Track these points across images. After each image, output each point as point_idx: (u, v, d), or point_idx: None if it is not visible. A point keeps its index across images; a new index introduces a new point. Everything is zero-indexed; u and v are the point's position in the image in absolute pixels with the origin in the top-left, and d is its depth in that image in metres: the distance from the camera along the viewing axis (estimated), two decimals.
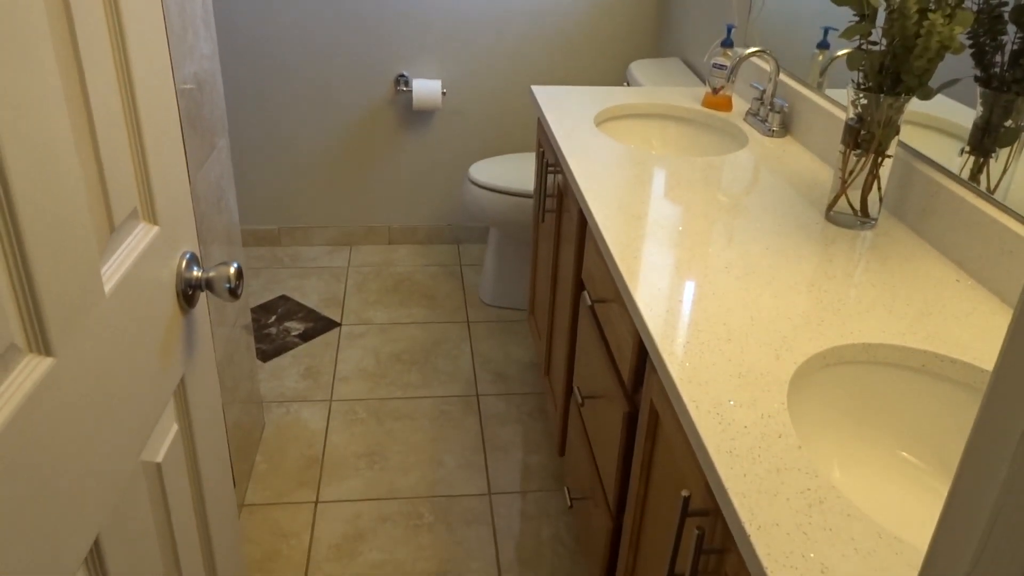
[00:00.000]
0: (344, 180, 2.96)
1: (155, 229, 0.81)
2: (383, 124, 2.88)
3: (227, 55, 2.71)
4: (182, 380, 0.88)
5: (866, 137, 1.32)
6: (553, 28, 2.79)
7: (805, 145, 1.74)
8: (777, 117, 1.78)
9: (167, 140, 0.84)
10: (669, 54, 2.75)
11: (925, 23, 1.10)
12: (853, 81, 1.32)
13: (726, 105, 1.94)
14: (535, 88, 2.06)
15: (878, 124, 1.29)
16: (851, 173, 1.36)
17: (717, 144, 1.90)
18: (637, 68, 2.54)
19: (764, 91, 1.85)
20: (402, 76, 2.80)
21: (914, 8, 1.11)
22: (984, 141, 1.30)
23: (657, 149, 1.99)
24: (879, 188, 1.35)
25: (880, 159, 1.32)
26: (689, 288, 1.15)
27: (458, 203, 3.07)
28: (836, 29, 1.75)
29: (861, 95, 1.29)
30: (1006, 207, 1.19)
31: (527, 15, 2.76)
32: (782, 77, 1.85)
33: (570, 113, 1.88)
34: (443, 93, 2.84)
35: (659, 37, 2.85)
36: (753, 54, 1.77)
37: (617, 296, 1.29)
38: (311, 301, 2.72)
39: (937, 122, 1.36)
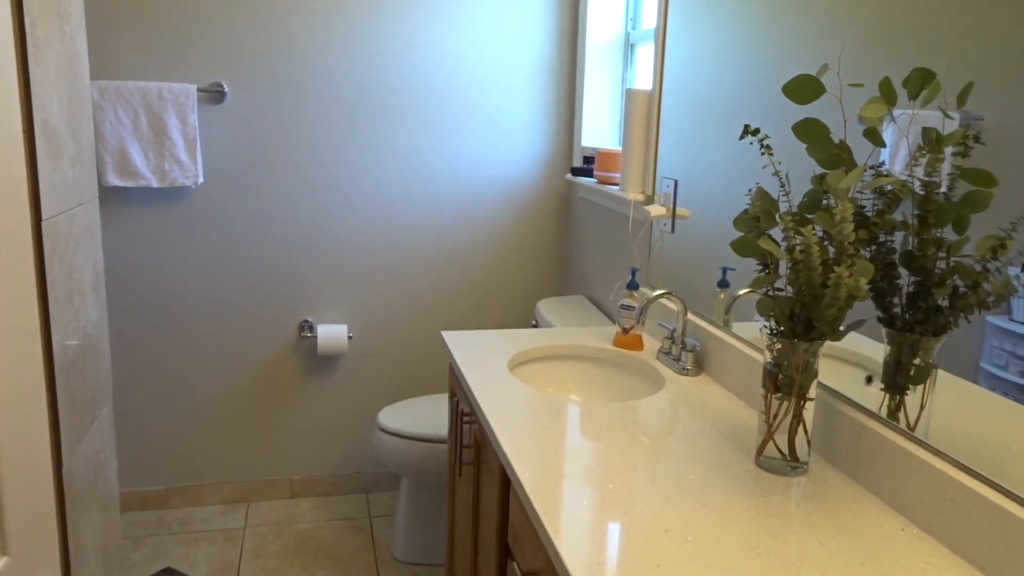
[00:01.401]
0: (242, 432, 2.79)
1: (3, 560, 0.66)
2: (285, 371, 2.77)
3: (118, 307, 2.60)
4: None
5: (785, 381, 1.31)
6: (459, 270, 2.84)
7: (721, 383, 1.74)
8: (690, 356, 1.79)
9: (29, 453, 0.72)
10: (573, 292, 2.82)
11: (832, 275, 1.13)
12: (765, 327, 1.33)
13: (637, 344, 1.95)
14: (445, 334, 2.03)
15: (796, 368, 1.29)
16: (775, 417, 1.34)
17: (634, 385, 1.88)
18: (544, 306, 2.58)
19: (674, 330, 1.87)
20: (306, 322, 2.74)
21: (818, 260, 1.14)
22: (897, 378, 1.31)
23: (574, 392, 1.95)
24: (805, 431, 1.32)
25: (803, 402, 1.31)
26: (633, 562, 1.04)
27: (366, 449, 2.92)
28: (733, 269, 1.82)
29: (776, 341, 1.30)
30: (937, 450, 1.17)
31: (433, 258, 2.81)
32: (690, 316, 1.88)
33: (483, 359, 1.84)
34: (349, 337, 2.78)
35: (563, 276, 2.93)
36: (660, 296, 1.80)
37: (550, 567, 1.17)
38: (200, 572, 2.42)
39: (851, 355, 1.38)
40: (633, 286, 1.96)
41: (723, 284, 1.87)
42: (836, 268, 1.12)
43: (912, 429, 1.24)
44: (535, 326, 2.63)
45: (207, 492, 2.79)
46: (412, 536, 2.52)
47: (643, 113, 2.12)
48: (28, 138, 1.05)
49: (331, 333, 2.70)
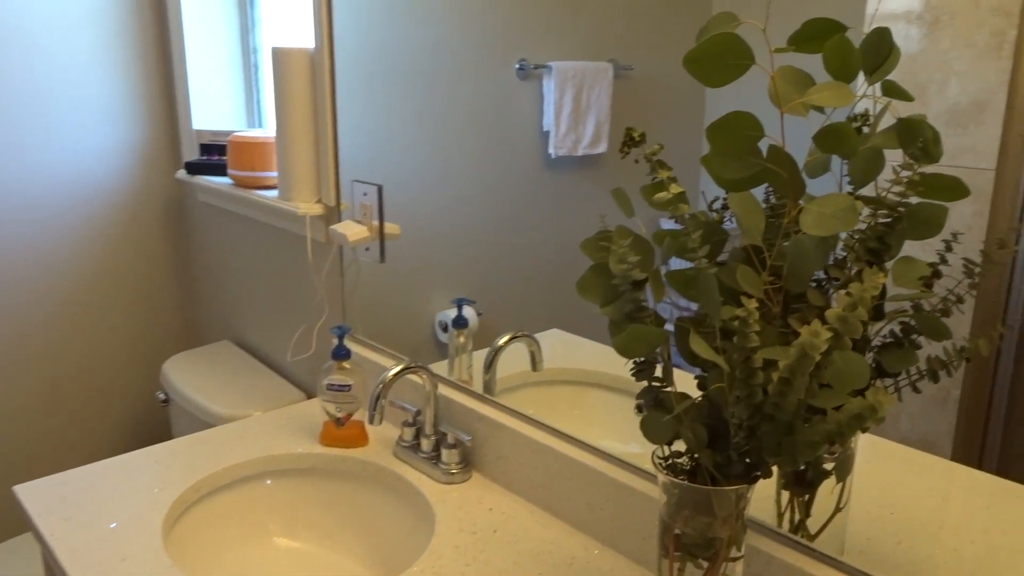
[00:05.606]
0: None
1: None
2: None
3: None
4: None
5: (695, 539, 0.80)
6: (27, 332, 1.84)
7: (506, 486, 1.18)
8: (455, 453, 1.20)
9: None
10: (214, 338, 2.01)
11: (859, 399, 0.62)
12: (658, 458, 0.80)
13: (360, 438, 1.30)
14: (22, 491, 1.15)
15: (721, 522, 0.78)
16: None
17: (381, 511, 1.24)
18: (176, 369, 1.77)
19: (418, 413, 1.26)
20: None
21: (809, 370, 0.63)
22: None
23: (287, 535, 1.24)
24: None
25: (726, 566, 0.82)
26: None
27: None
28: (471, 301, 1.28)
29: (679, 480, 0.78)
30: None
31: None
32: (440, 389, 1.28)
33: (108, 532, 1.04)
34: None
35: (195, 318, 2.09)
36: (401, 374, 1.17)
37: None
38: None
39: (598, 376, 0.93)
40: (343, 354, 1.29)
41: (460, 323, 1.32)
42: (870, 395, 0.62)
43: (811, 538, 0.85)
44: (165, 402, 1.80)
45: None
46: None
47: (305, 85, 1.42)
48: None
49: None
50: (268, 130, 1.67)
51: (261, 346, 1.82)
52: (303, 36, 1.66)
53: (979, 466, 0.79)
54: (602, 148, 1.04)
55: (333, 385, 1.28)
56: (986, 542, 0.78)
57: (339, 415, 1.28)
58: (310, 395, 1.63)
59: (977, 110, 0.75)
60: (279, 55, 1.42)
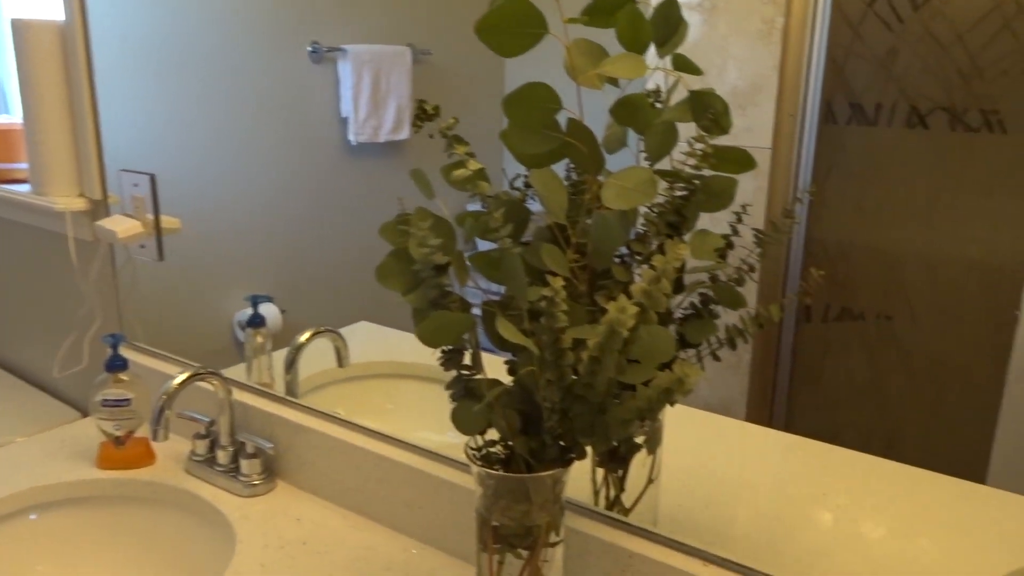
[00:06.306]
0: None
1: None
2: None
3: None
4: None
5: (513, 529, 0.78)
6: None
7: (314, 492, 1.11)
8: (256, 462, 1.11)
9: None
10: None
11: (667, 372, 0.62)
12: (471, 449, 0.77)
13: (145, 457, 1.17)
14: None
15: (538, 508, 0.76)
16: None
17: (164, 530, 1.11)
18: None
19: (212, 424, 1.15)
20: None
21: (619, 348, 0.62)
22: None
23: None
24: None
25: (544, 549, 0.80)
26: None
27: None
28: (269, 298, 1.19)
29: (493, 470, 0.75)
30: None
31: None
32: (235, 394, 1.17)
33: None
34: None
35: None
36: (188, 382, 1.05)
37: None
38: None
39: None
40: (118, 364, 1.15)
41: (256, 322, 1.22)
42: (681, 364, 0.61)
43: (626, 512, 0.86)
44: None
45: None
46: None
47: (56, 63, 1.25)
48: None
49: None
50: (14, 116, 1.45)
51: (22, 362, 1.59)
52: (51, 7, 1.46)
53: (769, 424, 0.82)
54: (404, 134, 1.00)
55: (108, 400, 1.13)
56: (782, 496, 0.82)
57: (118, 433, 1.14)
58: (85, 414, 1.45)
59: (753, 92, 0.78)
60: (21, 28, 1.23)
